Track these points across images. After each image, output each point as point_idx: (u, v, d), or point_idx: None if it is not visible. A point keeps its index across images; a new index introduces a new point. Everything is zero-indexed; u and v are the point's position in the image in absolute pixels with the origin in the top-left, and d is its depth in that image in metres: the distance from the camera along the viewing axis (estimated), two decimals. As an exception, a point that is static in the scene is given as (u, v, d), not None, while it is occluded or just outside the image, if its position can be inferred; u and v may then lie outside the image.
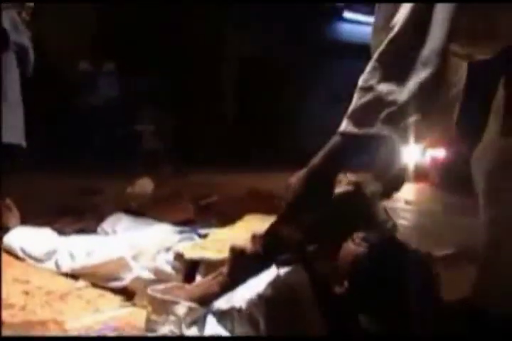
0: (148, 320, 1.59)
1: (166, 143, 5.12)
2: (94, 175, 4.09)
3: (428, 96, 1.42)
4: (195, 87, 5.44)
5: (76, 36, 4.95)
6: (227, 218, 2.49)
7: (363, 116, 1.45)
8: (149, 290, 1.62)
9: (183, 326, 1.54)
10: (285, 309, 1.55)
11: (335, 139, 1.51)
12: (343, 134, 1.48)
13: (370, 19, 5.71)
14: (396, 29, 1.43)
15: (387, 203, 1.91)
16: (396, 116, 1.41)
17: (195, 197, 3.43)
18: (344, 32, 6.86)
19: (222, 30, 5.75)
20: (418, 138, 1.52)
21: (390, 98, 1.41)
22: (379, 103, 1.42)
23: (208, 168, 4.67)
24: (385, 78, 1.44)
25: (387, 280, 1.52)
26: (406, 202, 3.86)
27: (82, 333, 1.67)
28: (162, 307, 1.57)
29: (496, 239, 1.60)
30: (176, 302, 1.56)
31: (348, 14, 6.77)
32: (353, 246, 1.61)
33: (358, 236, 1.63)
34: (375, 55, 1.47)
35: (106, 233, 2.51)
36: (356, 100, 1.47)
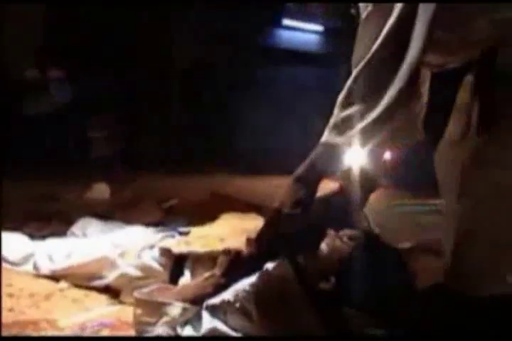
0: (138, 323, 1.61)
1: (118, 149, 5.15)
2: (48, 181, 4.08)
3: (401, 107, 1.57)
4: (145, 92, 5.48)
5: (21, 44, 4.90)
6: (193, 219, 2.57)
7: (343, 128, 1.58)
8: (136, 294, 1.64)
9: (178, 326, 1.58)
10: (274, 299, 1.62)
11: (318, 149, 1.64)
12: (325, 144, 1.61)
13: (309, 26, 5.82)
14: (376, 46, 1.56)
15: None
16: (372, 128, 1.55)
17: (155, 201, 3.48)
18: (283, 39, 6.98)
19: (166, 37, 5.79)
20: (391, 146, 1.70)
21: (368, 112, 1.56)
22: (358, 117, 1.56)
23: (160, 172, 4.74)
24: (364, 94, 1.58)
25: (372, 275, 1.65)
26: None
27: (76, 331, 1.70)
28: (153, 309, 1.59)
29: (471, 227, 1.75)
30: (169, 304, 1.60)
31: (286, 21, 6.88)
32: (341, 244, 1.73)
33: (345, 234, 1.75)
34: (355, 72, 1.60)
35: (76, 236, 2.54)
36: (337, 113, 1.61)
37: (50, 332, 1.69)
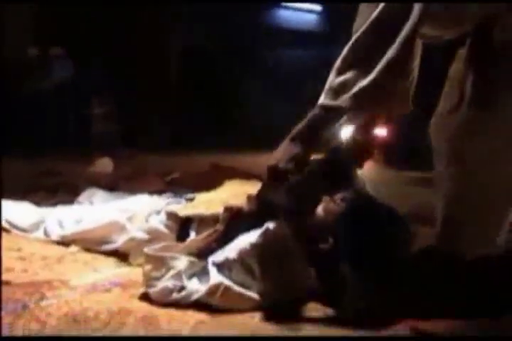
0: (148, 278, 1.68)
1: (119, 126, 5.22)
2: (51, 157, 4.16)
3: (392, 76, 1.65)
4: (145, 68, 5.53)
5: (22, 21, 4.95)
6: (195, 189, 2.63)
7: (338, 92, 1.66)
8: (145, 250, 1.71)
9: (184, 278, 1.66)
10: (274, 256, 1.71)
11: (314, 111, 1.72)
12: (321, 106, 1.70)
13: (308, 6, 5.86)
14: (374, 14, 1.63)
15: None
16: (364, 93, 1.63)
17: (156, 174, 3.56)
18: (282, 18, 7.01)
19: (165, 15, 5.82)
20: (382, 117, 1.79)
21: (362, 78, 1.63)
22: (352, 82, 1.64)
23: (161, 149, 4.82)
24: (359, 60, 1.66)
25: (366, 233, 1.73)
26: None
27: (88, 289, 1.78)
28: (161, 263, 1.67)
29: (460, 192, 1.84)
30: (176, 257, 1.68)
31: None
32: (334, 206, 1.81)
33: (338, 196, 1.83)
34: (353, 38, 1.68)
35: (83, 205, 2.61)
36: (333, 78, 1.69)
37: (64, 291, 1.76)
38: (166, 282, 1.65)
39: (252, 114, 5.84)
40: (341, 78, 1.67)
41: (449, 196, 1.90)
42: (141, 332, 1.48)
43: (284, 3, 6.90)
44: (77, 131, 5.00)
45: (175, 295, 1.63)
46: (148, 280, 1.67)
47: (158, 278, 1.66)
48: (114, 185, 3.09)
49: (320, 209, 1.82)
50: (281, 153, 1.73)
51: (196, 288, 1.64)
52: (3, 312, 1.54)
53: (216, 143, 5.10)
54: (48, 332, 1.47)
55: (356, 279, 1.70)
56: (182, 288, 1.64)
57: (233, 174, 3.13)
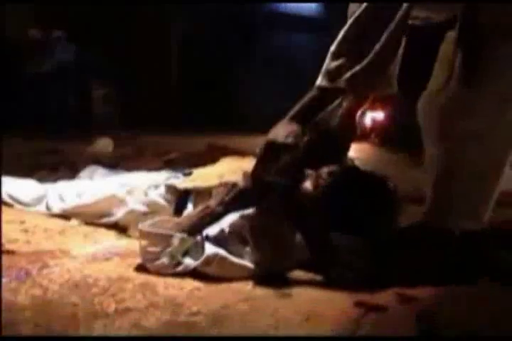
0: (144, 252, 1.73)
1: (118, 106, 5.26)
2: (50, 137, 4.22)
3: (386, 59, 1.73)
4: (144, 50, 5.56)
5: (22, 4, 4.97)
6: (193, 167, 2.69)
7: (333, 76, 1.75)
8: (140, 226, 1.76)
9: (179, 256, 1.70)
10: (266, 227, 1.78)
11: (311, 92, 1.81)
12: (318, 87, 1.79)
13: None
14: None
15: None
16: (360, 76, 1.71)
17: (154, 155, 3.63)
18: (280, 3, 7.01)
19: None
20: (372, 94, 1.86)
21: (357, 61, 1.71)
22: (346, 67, 1.73)
23: (160, 131, 4.87)
24: (354, 45, 1.73)
25: (355, 204, 1.80)
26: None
27: (89, 258, 1.85)
28: (156, 240, 1.72)
29: (450, 168, 1.91)
30: (170, 235, 1.72)
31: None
32: (321, 180, 1.88)
33: (324, 171, 1.90)
34: (348, 24, 1.75)
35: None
36: (329, 62, 1.77)
37: (65, 260, 1.82)
38: (163, 259, 1.70)
39: (251, 99, 5.88)
40: (336, 63, 1.75)
41: (439, 172, 1.97)
42: (139, 297, 1.54)
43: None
44: (78, 111, 5.05)
45: (172, 270, 1.69)
46: (145, 255, 1.73)
47: (154, 254, 1.71)
48: (114, 164, 3.14)
49: (308, 184, 1.87)
50: (281, 129, 1.81)
51: (192, 263, 1.70)
52: (7, 279, 1.61)
53: (214, 126, 5.15)
54: (49, 297, 1.53)
55: (345, 250, 1.78)
56: (178, 264, 1.70)
57: (229, 153, 3.20)
